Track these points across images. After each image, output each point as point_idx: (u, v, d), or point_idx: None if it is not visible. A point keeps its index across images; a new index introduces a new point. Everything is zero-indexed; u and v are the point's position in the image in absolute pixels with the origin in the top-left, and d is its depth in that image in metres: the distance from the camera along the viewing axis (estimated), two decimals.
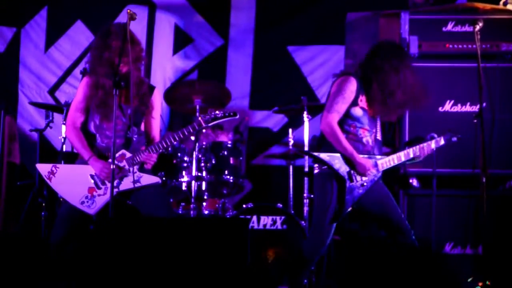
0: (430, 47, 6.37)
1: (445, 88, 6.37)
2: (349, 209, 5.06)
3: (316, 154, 5.09)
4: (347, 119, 5.12)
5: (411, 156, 5.24)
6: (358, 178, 5.08)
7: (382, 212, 5.15)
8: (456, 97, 6.35)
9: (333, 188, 5.07)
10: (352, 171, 5.07)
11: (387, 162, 5.18)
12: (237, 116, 5.22)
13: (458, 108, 6.35)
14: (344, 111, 5.09)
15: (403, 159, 5.23)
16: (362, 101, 5.15)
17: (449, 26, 6.39)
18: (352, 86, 5.10)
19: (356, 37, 6.86)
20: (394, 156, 5.21)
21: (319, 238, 5.14)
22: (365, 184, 5.09)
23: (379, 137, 5.27)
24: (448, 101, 6.35)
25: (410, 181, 6.37)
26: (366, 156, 5.11)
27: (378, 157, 5.17)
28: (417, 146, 5.25)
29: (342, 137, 5.05)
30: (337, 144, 5.03)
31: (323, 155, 5.06)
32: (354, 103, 5.11)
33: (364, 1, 7.51)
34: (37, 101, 7.56)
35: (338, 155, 5.05)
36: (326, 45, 7.81)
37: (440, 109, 6.35)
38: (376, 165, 5.13)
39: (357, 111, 5.14)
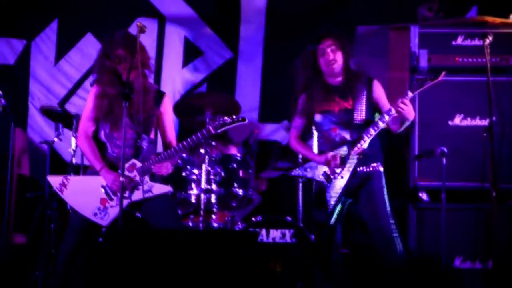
0: (439, 60, 6.36)
1: (455, 102, 6.36)
2: (338, 203, 5.14)
3: (290, 172, 5.55)
4: (314, 127, 5.44)
5: (380, 124, 5.14)
6: (333, 174, 5.16)
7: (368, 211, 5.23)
8: (465, 111, 6.34)
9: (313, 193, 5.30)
10: (325, 171, 5.19)
11: (359, 144, 5.13)
12: (246, 121, 5.22)
13: (468, 122, 6.33)
14: (300, 124, 5.43)
15: (372, 133, 5.13)
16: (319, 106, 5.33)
17: (459, 40, 6.39)
18: (300, 100, 5.40)
19: (365, 50, 6.85)
20: (364, 134, 5.14)
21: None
22: (343, 175, 5.14)
23: (356, 121, 5.25)
24: (457, 115, 6.34)
25: (420, 195, 6.34)
26: (332, 151, 5.19)
27: (350, 143, 5.18)
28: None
29: (300, 147, 5.44)
30: (301, 154, 5.66)
31: (295, 171, 5.42)
32: (309, 112, 5.34)
33: (374, 14, 7.50)
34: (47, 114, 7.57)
35: (308, 163, 5.29)
36: None
37: (449, 122, 6.34)
38: (346, 152, 5.15)
39: (317, 117, 5.31)
